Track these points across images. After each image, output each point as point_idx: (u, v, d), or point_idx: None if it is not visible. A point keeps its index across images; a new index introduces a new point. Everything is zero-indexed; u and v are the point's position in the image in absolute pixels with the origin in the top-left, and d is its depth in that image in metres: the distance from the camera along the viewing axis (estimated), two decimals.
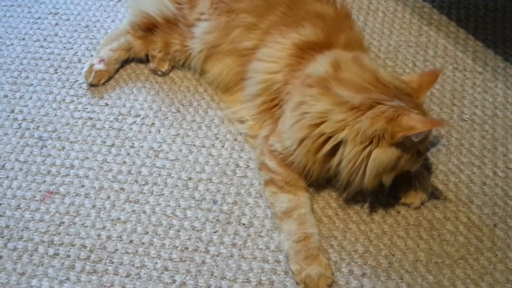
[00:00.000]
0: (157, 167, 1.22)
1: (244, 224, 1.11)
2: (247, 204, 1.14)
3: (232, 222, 1.11)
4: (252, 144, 1.22)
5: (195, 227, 1.11)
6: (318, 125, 1.04)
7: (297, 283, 1.00)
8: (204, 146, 1.25)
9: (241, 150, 1.23)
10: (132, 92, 1.36)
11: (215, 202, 1.15)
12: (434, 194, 1.12)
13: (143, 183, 1.19)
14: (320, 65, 1.10)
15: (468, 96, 1.30)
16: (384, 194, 1.10)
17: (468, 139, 1.22)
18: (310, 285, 0.99)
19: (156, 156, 1.24)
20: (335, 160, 1.04)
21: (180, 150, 1.25)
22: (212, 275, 1.03)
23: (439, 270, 1.01)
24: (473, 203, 1.11)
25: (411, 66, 1.37)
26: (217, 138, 1.26)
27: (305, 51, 1.17)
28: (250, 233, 1.09)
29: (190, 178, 1.19)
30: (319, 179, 1.12)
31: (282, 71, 1.18)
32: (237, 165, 1.21)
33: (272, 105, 1.20)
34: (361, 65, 1.08)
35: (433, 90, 1.31)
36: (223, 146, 1.25)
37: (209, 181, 1.18)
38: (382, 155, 0.99)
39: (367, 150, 1.00)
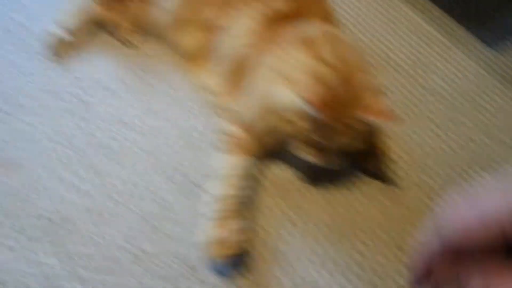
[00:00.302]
0: (128, 140, 1.23)
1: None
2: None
3: (197, 192, 1.15)
4: (220, 114, 1.25)
5: (165, 198, 1.14)
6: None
7: (201, 243, 1.01)
8: (175, 119, 1.27)
9: (210, 119, 1.26)
10: (98, 62, 1.36)
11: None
12: (394, 161, 1.17)
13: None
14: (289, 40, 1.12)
15: (432, 67, 1.34)
16: (343, 160, 1.15)
17: (430, 108, 1.26)
18: (211, 250, 0.99)
19: (127, 129, 1.25)
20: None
21: (151, 123, 1.26)
22: (171, 238, 1.08)
23: (401, 227, 1.08)
24: (433, 171, 1.16)
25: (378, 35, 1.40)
26: (189, 111, 1.28)
27: (275, 22, 1.18)
28: None
29: (161, 151, 1.22)
30: (280, 150, 1.14)
31: (251, 43, 1.19)
32: (205, 135, 1.23)
33: (240, 77, 1.21)
34: (334, 41, 1.09)
35: (399, 61, 1.34)
36: (195, 117, 1.27)
37: (180, 153, 1.21)
38: (291, 99, 0.99)
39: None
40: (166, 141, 1.22)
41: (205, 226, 1.03)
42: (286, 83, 1.03)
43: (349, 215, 1.10)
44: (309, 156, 1.06)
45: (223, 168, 1.09)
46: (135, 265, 1.05)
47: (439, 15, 1.44)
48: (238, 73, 1.22)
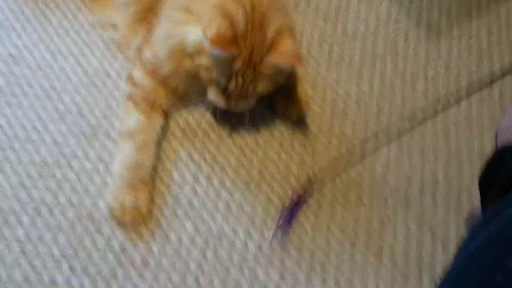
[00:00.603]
0: (16, 76, 1.09)
1: (113, 137, 1.03)
2: (118, 118, 1.06)
3: (99, 136, 1.03)
4: (126, 54, 1.12)
5: (57, 141, 1.02)
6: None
7: (107, 206, 0.95)
8: (71, 54, 1.13)
9: (113, 59, 1.13)
10: None
11: None
12: (311, 108, 1.11)
13: None
14: None
15: (353, 13, 1.28)
16: (261, 107, 1.07)
17: (349, 54, 1.21)
18: (116, 213, 0.93)
19: (15, 63, 1.10)
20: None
21: (44, 57, 1.12)
22: (74, 190, 0.97)
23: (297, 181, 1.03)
24: (348, 118, 1.12)
25: None
26: (86, 45, 1.14)
27: None
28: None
29: (53, 88, 1.08)
30: (189, 94, 1.06)
31: None
32: (108, 75, 1.11)
33: (146, 13, 1.09)
34: None
35: (320, 5, 1.27)
36: (93, 55, 1.13)
37: (76, 92, 1.08)
38: (194, 33, 0.91)
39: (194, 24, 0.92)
40: (60, 78, 1.09)
41: (115, 189, 0.94)
42: (191, 18, 0.93)
43: (260, 161, 1.03)
44: (217, 100, 0.97)
45: (138, 132, 0.98)
46: (26, 217, 0.93)
47: None
48: (144, 8, 1.09)
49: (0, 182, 0.96)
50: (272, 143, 1.06)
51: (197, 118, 1.07)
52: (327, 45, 1.21)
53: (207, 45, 0.88)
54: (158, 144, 1.01)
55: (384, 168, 1.06)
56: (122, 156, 0.97)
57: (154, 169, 0.98)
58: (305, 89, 1.11)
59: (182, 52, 0.95)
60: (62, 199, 0.95)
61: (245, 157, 1.04)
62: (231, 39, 0.88)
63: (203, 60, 0.92)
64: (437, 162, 1.08)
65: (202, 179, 1.00)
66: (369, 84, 1.17)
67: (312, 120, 1.10)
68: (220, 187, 0.99)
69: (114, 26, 1.14)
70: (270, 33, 0.92)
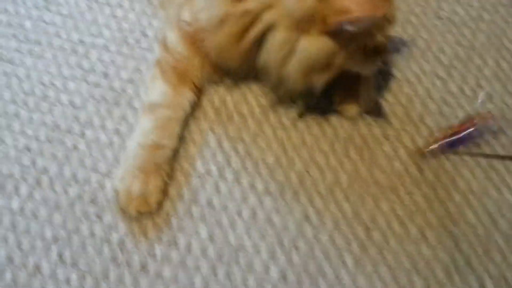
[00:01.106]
0: (45, 22, 0.96)
1: (135, 108, 0.88)
2: (145, 84, 0.90)
3: (121, 104, 0.88)
4: (166, 10, 0.95)
5: (75, 103, 0.88)
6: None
7: (112, 189, 0.80)
8: (108, 4, 0.98)
9: (153, 16, 0.97)
10: None
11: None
12: (378, 106, 0.89)
13: (23, 39, 0.94)
14: None
15: None
16: (315, 97, 0.86)
17: (439, 42, 0.96)
18: (121, 197, 0.78)
19: (46, 8, 0.97)
20: (261, 52, 0.79)
21: (78, 4, 0.98)
22: (82, 164, 0.83)
23: (360, 199, 0.81)
24: (424, 124, 0.89)
25: None
26: None
27: None
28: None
29: (82, 42, 0.94)
30: (235, 74, 0.87)
31: None
32: (144, 34, 0.95)
33: None
34: None
35: None
36: (132, 8, 0.98)
37: (105, 48, 0.93)
38: (312, 45, 0.74)
39: (294, 37, 0.75)
40: (91, 31, 0.94)
41: (124, 169, 0.79)
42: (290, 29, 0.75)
43: (303, 162, 0.84)
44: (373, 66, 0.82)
45: (161, 106, 0.82)
46: (24, 186, 0.81)
47: None
48: None
49: (5, 141, 0.84)
50: (322, 142, 0.86)
51: (236, 99, 0.89)
52: (412, 27, 0.97)
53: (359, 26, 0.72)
54: (184, 123, 0.84)
55: None
56: (140, 132, 0.81)
57: (175, 153, 0.82)
58: (374, 81, 0.89)
59: (236, 26, 0.78)
60: (67, 172, 0.82)
61: (286, 155, 0.85)
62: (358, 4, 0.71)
63: (344, 53, 0.75)
64: None
65: (229, 175, 0.82)
66: (459, 84, 0.92)
67: (377, 121, 0.88)
68: (248, 188, 0.82)
69: None
70: None
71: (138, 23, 0.96)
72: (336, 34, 0.73)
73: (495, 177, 0.84)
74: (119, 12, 0.97)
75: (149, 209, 0.78)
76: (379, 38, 0.77)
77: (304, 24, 0.73)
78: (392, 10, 0.78)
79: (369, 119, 0.88)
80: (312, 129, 0.87)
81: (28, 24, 0.95)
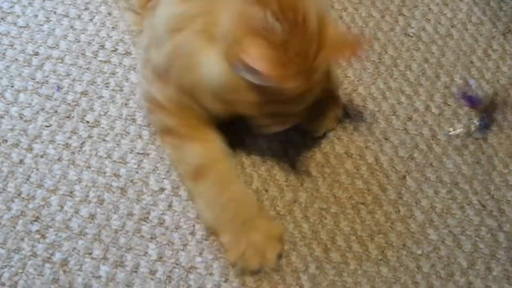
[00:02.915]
0: None
1: (88, 121, 0.84)
2: (100, 98, 0.86)
3: (73, 117, 0.84)
4: (136, 44, 0.91)
5: (24, 116, 0.84)
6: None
7: (231, 264, 0.73)
8: (67, 16, 0.95)
9: (113, 28, 0.94)
10: None
11: (59, 88, 0.87)
12: (342, 123, 0.86)
13: None
14: None
15: (422, 6, 1.00)
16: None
17: (406, 59, 0.94)
18: (249, 260, 0.71)
19: (2, 18, 0.94)
20: None
21: (36, 15, 0.94)
22: (27, 180, 0.78)
23: (320, 218, 0.78)
24: (388, 141, 0.86)
25: None
26: (86, 9, 0.96)
27: None
28: (92, 134, 0.83)
29: (36, 53, 0.90)
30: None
31: None
32: (102, 46, 0.91)
33: None
34: None
35: None
36: (91, 20, 0.95)
37: (60, 60, 0.90)
38: (213, 67, 0.68)
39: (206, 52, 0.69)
40: (47, 42, 0.90)
41: (227, 243, 0.73)
42: (215, 46, 0.68)
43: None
44: (279, 127, 0.74)
45: (207, 166, 0.75)
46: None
47: None
48: None
49: None
50: (282, 160, 0.82)
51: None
52: (379, 45, 0.95)
53: (251, 76, 0.64)
54: (232, 162, 0.79)
55: None
56: (209, 201, 0.75)
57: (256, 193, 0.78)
58: (339, 99, 0.86)
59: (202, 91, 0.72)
60: (11, 187, 0.77)
61: (244, 172, 0.81)
62: (281, 62, 0.63)
63: (243, 98, 0.69)
64: None
65: (182, 192, 0.78)
66: (425, 101, 0.90)
67: (340, 138, 0.85)
68: None
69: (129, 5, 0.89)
70: (312, 24, 0.66)
71: (96, 34, 0.93)
72: (237, 69, 0.65)
73: (459, 196, 0.81)
74: (77, 24, 0.94)
75: (281, 249, 0.74)
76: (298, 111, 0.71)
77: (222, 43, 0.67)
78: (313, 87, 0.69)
79: (332, 136, 0.85)
80: (273, 147, 0.83)
81: None
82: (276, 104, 0.69)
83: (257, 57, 0.62)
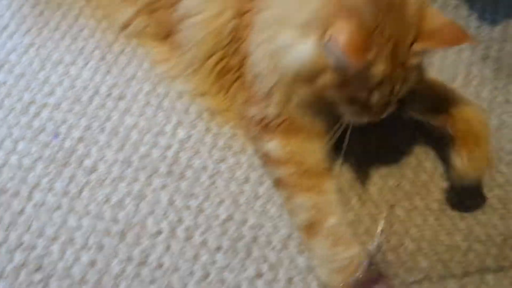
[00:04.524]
0: None
1: (85, 167, 0.87)
2: (97, 143, 0.89)
3: (70, 164, 0.87)
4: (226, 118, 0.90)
5: (23, 164, 0.87)
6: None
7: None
8: (62, 62, 0.98)
9: (107, 72, 0.97)
10: None
11: (56, 135, 0.90)
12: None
13: None
14: None
15: None
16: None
17: None
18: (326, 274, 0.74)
19: None
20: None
21: (31, 64, 0.98)
22: (28, 229, 0.81)
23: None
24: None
25: None
26: (81, 54, 0.99)
27: None
28: (90, 180, 0.86)
29: (33, 101, 0.93)
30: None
31: (227, 6, 0.84)
32: (97, 92, 0.95)
33: (231, 60, 0.86)
34: None
35: None
36: (86, 65, 0.98)
37: (56, 107, 0.93)
38: (304, 50, 0.69)
39: (296, 41, 0.71)
40: (43, 90, 0.93)
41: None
42: (293, 33, 0.71)
43: None
44: (359, 119, 0.74)
45: (321, 223, 0.76)
46: None
47: None
48: (230, 57, 0.86)
49: None
50: (276, 194, 0.85)
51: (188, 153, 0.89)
52: None
53: (334, 56, 0.66)
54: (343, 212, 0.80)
55: None
56: (322, 259, 0.76)
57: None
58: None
59: (295, 82, 0.74)
60: (12, 237, 0.80)
61: (239, 210, 0.83)
62: (365, 42, 0.64)
63: (328, 79, 0.69)
64: None
65: (181, 233, 0.81)
66: None
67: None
68: (200, 246, 0.80)
69: (199, 91, 0.91)
70: (411, 9, 0.68)
71: (91, 80, 0.96)
72: (328, 52, 0.67)
73: (446, 223, 0.84)
74: (72, 70, 0.97)
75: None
76: (372, 100, 0.71)
77: (306, 28, 0.69)
78: (401, 75, 0.70)
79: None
80: (265, 182, 0.86)
81: None
82: (357, 91, 0.70)
83: (346, 36, 0.63)
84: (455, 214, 0.84)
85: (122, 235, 0.80)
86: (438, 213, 0.84)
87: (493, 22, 1.07)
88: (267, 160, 0.83)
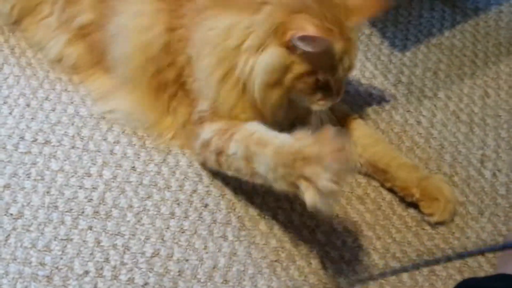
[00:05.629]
0: None
1: (11, 214, 0.88)
2: (22, 189, 0.90)
3: None
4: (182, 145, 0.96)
5: None
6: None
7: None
8: None
9: (32, 119, 0.99)
10: None
11: None
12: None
13: None
14: None
15: None
16: None
17: None
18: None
19: None
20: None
21: None
22: None
23: (238, 281, 0.84)
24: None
25: None
26: (5, 103, 1.00)
27: None
28: (16, 226, 0.87)
29: None
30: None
31: (157, 22, 0.89)
32: (22, 138, 0.96)
33: (167, 73, 0.90)
34: None
35: None
36: (10, 113, 0.99)
37: None
38: (270, 55, 0.79)
39: (260, 50, 0.80)
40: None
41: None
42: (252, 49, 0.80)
43: None
44: (326, 103, 0.86)
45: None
46: None
47: None
48: (166, 72, 0.90)
49: None
50: (200, 228, 0.88)
51: None
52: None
53: (305, 46, 0.76)
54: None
55: None
56: (266, 163, 0.76)
57: None
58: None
59: (266, 89, 0.82)
60: None
61: (164, 245, 0.86)
62: (323, 25, 0.78)
63: (297, 71, 0.80)
64: None
65: (107, 272, 0.83)
66: None
67: (254, 202, 0.91)
68: (126, 284, 0.82)
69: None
70: None
71: (16, 127, 0.97)
72: (291, 49, 0.78)
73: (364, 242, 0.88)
74: None
75: None
76: (336, 77, 0.83)
77: (270, 37, 0.79)
78: (351, 48, 0.83)
79: (245, 200, 0.91)
80: (190, 215, 0.89)
81: None
82: (324, 72, 0.81)
83: (309, 27, 0.77)
84: (371, 234, 0.89)
85: (49, 278, 0.82)
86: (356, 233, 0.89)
87: (404, 48, 1.15)
88: (204, 149, 0.86)
